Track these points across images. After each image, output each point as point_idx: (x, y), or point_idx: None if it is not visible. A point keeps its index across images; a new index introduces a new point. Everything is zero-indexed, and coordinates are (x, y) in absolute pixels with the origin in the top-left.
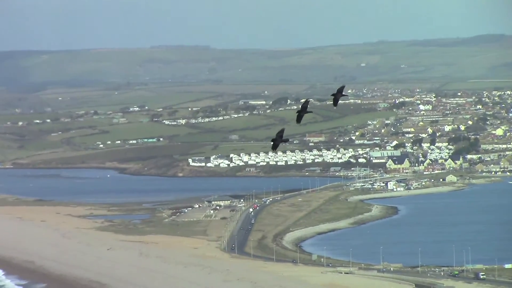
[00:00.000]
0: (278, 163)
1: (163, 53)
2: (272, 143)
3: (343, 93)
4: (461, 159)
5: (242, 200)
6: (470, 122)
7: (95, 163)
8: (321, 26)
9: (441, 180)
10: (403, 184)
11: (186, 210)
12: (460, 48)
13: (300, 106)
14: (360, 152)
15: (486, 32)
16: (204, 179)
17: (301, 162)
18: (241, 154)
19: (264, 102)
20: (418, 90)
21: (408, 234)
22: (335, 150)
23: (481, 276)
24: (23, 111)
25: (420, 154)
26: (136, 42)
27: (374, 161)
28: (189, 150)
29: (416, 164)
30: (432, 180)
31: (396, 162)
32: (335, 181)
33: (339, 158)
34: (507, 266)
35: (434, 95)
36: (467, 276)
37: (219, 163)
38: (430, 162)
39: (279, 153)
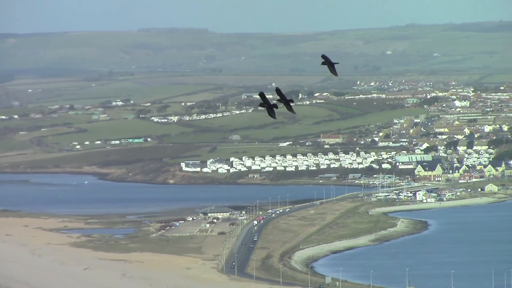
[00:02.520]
0: (287, 169)
1: (153, 37)
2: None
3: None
4: (503, 165)
5: (243, 212)
6: None
7: (71, 167)
8: (340, 6)
9: (479, 190)
10: (434, 195)
11: (177, 224)
12: (504, 33)
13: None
14: (384, 156)
15: None
16: (199, 187)
17: (314, 168)
18: (243, 158)
19: (271, 96)
20: (453, 83)
21: (439, 254)
22: (354, 154)
23: None
24: None
25: (455, 159)
26: (120, 24)
27: (400, 167)
28: (181, 152)
29: (450, 171)
30: (469, 190)
31: (427, 169)
32: (354, 190)
33: (359, 163)
34: None
35: (472, 89)
36: None
37: (217, 168)
38: (467, 168)
39: (288, 156)
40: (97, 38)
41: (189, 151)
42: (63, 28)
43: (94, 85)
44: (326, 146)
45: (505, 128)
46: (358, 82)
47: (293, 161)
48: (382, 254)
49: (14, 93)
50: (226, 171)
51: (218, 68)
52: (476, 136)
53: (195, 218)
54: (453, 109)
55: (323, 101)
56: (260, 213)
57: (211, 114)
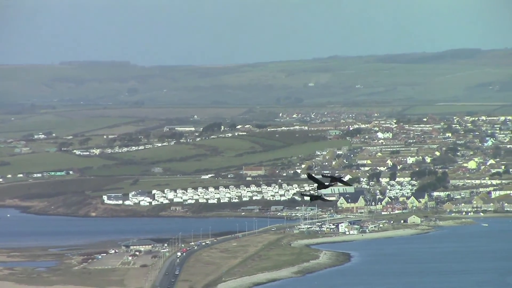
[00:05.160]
0: (209, 201)
1: (75, 70)
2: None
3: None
4: (426, 196)
5: (166, 245)
6: (437, 153)
7: None
8: (262, 39)
9: (402, 221)
10: (357, 227)
11: (99, 256)
12: (427, 65)
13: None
14: (307, 188)
15: (459, 47)
16: (122, 220)
17: (236, 200)
18: (165, 190)
19: (193, 129)
20: (376, 114)
21: (362, 286)
22: (277, 186)
23: None
24: None
25: (378, 191)
26: (42, 57)
27: None
28: (104, 185)
29: (373, 203)
30: (392, 222)
31: (349, 200)
32: (276, 223)
33: (281, 196)
34: None
35: (395, 121)
36: None
37: (139, 201)
38: (389, 200)
39: (211, 189)
40: (18, 71)
41: (111, 184)
42: None
43: (14, 118)
44: (248, 178)
45: (428, 159)
46: (281, 114)
47: (215, 193)
48: (304, 286)
49: None
50: (148, 203)
51: (140, 100)
52: (398, 167)
53: (117, 250)
54: (376, 140)
55: (245, 133)
56: (183, 245)
57: (133, 147)
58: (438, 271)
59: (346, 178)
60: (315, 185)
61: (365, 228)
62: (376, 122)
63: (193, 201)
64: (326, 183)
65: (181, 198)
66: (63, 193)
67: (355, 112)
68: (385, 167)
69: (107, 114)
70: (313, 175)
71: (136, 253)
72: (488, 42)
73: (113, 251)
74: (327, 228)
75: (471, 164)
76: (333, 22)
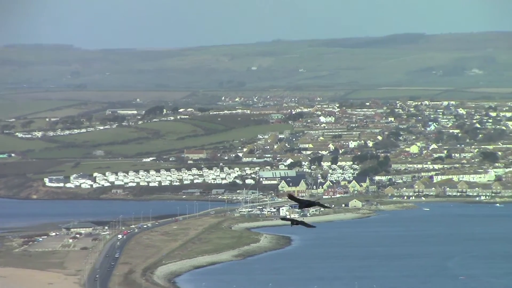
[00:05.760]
0: (150, 184)
1: (18, 53)
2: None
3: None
4: (367, 181)
5: (106, 227)
6: (379, 137)
7: None
8: (206, 22)
9: (343, 205)
10: (297, 210)
11: (40, 239)
12: (370, 49)
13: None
14: (248, 172)
15: (402, 31)
16: (63, 202)
17: (177, 183)
18: (106, 173)
19: (135, 112)
20: (318, 99)
21: (302, 269)
22: (218, 169)
23: None
24: None
25: (319, 175)
26: None
27: (264, 182)
28: (45, 168)
29: (314, 187)
30: (333, 206)
31: (291, 184)
32: (217, 206)
33: (222, 179)
34: None
35: (337, 105)
36: None
37: (81, 184)
38: (331, 184)
39: (152, 172)
40: None
41: (53, 167)
42: None
43: None
44: (190, 162)
45: (370, 144)
46: (223, 98)
47: (157, 176)
48: (245, 270)
49: None
50: (89, 186)
51: (83, 83)
52: (340, 151)
53: (58, 233)
54: (318, 124)
55: (187, 116)
56: (124, 228)
57: (75, 130)
58: (379, 255)
59: (288, 162)
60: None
61: (306, 212)
62: (319, 106)
63: (134, 184)
64: (306, 203)
65: (122, 181)
66: (4, 175)
67: (298, 96)
68: (327, 151)
69: (49, 97)
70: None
71: (76, 235)
72: (432, 27)
73: (53, 234)
74: (268, 211)
75: (413, 149)
76: (277, 6)
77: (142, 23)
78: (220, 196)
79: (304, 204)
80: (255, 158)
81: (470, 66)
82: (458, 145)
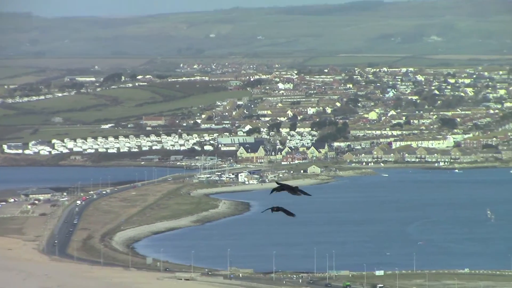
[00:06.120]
0: (109, 151)
1: None
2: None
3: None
4: (326, 147)
5: (65, 194)
6: (338, 104)
7: None
8: None
9: (302, 171)
10: (256, 176)
11: None
12: (329, 17)
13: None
14: (207, 138)
15: None
16: (21, 169)
17: (136, 150)
18: (65, 140)
19: (94, 79)
20: (277, 66)
21: (261, 235)
22: (176, 136)
23: None
24: None
25: (278, 141)
26: None
27: (222, 148)
28: (4, 134)
29: (273, 153)
30: (292, 172)
31: (249, 150)
32: (176, 172)
33: (181, 145)
34: (378, 273)
35: (296, 72)
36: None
37: (39, 150)
38: (289, 150)
39: (110, 138)
40: None
41: (11, 133)
42: None
43: None
44: (148, 128)
45: (328, 110)
46: (181, 65)
47: (115, 143)
48: (203, 235)
49: None
50: (48, 153)
51: (42, 51)
52: (299, 118)
53: (16, 199)
54: (277, 91)
55: (146, 83)
56: (82, 194)
57: (34, 97)
58: (338, 221)
59: (246, 128)
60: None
61: (265, 177)
62: (277, 73)
63: (93, 151)
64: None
65: (81, 148)
66: None
67: (256, 63)
68: (286, 118)
69: (8, 64)
70: (281, 182)
71: (35, 201)
72: None
73: (12, 200)
74: (226, 177)
75: (372, 115)
76: None
77: None
78: (179, 163)
79: (289, 189)
80: (213, 125)
81: (429, 33)
82: (417, 112)
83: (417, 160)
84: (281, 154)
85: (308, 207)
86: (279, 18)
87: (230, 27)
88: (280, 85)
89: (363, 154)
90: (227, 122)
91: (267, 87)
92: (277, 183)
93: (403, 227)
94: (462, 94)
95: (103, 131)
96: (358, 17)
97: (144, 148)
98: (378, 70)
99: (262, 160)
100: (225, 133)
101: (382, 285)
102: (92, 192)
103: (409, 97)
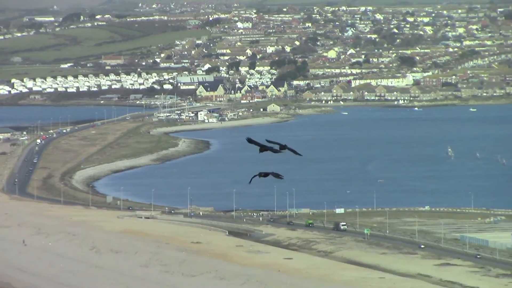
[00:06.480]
0: (69, 90)
1: None
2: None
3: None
4: (285, 85)
5: (25, 133)
6: (297, 43)
7: None
8: None
9: (261, 110)
10: (216, 115)
11: None
12: None
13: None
14: (166, 77)
15: None
16: None
17: (95, 89)
18: (24, 79)
19: (53, 19)
20: (236, 5)
21: (221, 173)
22: (136, 75)
23: (342, 227)
24: None
25: (237, 80)
26: None
27: (182, 87)
28: None
29: (232, 91)
30: (251, 110)
31: (208, 89)
32: (135, 111)
33: (140, 84)
34: (338, 211)
35: (255, 11)
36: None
37: None
38: (249, 89)
39: (70, 78)
40: None
41: None
42: None
43: None
44: (107, 68)
45: (288, 49)
46: (140, 4)
47: (75, 82)
48: (163, 174)
49: None
50: (7, 92)
51: None
52: (258, 57)
53: None
54: (236, 30)
55: (104, 23)
56: (42, 133)
57: None
58: (298, 159)
59: (205, 67)
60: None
61: (224, 116)
62: (236, 12)
63: (52, 90)
64: (270, 146)
65: (40, 87)
66: None
67: (215, 2)
68: (245, 57)
69: None
70: (253, 139)
71: None
72: None
73: None
74: (186, 116)
75: (331, 54)
76: None
77: None
78: (138, 101)
79: (265, 148)
80: (172, 64)
81: None
82: (376, 50)
83: (376, 98)
84: (240, 92)
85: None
86: None
87: None
88: (239, 24)
89: (322, 93)
90: (186, 61)
91: (226, 26)
92: (258, 144)
93: (363, 165)
94: (421, 32)
95: (63, 71)
96: None
97: (103, 87)
98: (337, 9)
99: (222, 99)
100: (184, 72)
101: (345, 223)
102: (52, 131)
103: (368, 36)
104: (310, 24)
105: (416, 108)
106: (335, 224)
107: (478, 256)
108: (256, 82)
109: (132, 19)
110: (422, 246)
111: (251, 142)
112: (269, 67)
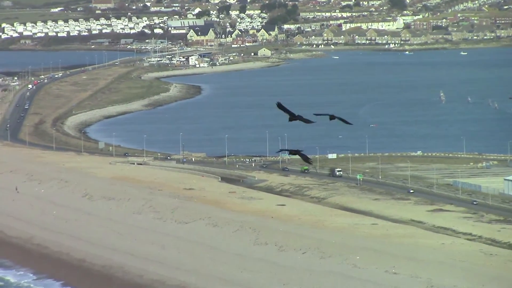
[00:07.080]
0: (59, 35)
1: None
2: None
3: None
4: (276, 29)
5: (16, 78)
6: None
7: None
8: None
9: (252, 54)
10: (207, 59)
11: None
12: None
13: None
14: (156, 21)
15: None
16: None
17: (86, 33)
18: (15, 24)
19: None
20: None
21: (213, 118)
22: (126, 19)
23: (338, 173)
24: None
25: (228, 24)
26: None
27: (172, 31)
28: None
29: (223, 36)
30: (242, 55)
31: (199, 33)
32: (126, 56)
33: (131, 29)
34: (330, 156)
35: None
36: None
37: None
38: (239, 33)
39: (60, 22)
40: None
41: None
42: None
43: None
44: (98, 12)
45: None
46: None
47: (65, 26)
48: (155, 119)
49: None
50: None
51: None
52: (248, 0)
53: None
54: None
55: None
56: (33, 78)
57: None
58: (289, 104)
59: (196, 11)
60: None
61: (215, 61)
62: None
63: (43, 35)
64: (297, 115)
65: (31, 32)
66: None
67: None
68: (235, 0)
69: None
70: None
71: None
72: None
73: None
74: (177, 61)
75: None
76: None
77: None
78: (129, 46)
79: (293, 117)
80: (163, 8)
81: None
82: None
83: (367, 42)
84: (231, 37)
85: (259, 90)
86: None
87: None
88: None
89: (313, 36)
90: (177, 5)
91: None
92: (288, 111)
93: (354, 110)
94: None
95: (53, 15)
96: None
97: (94, 32)
98: None
99: (212, 43)
100: (174, 16)
101: (340, 169)
102: (43, 76)
103: None
104: None
105: (406, 52)
106: (330, 169)
107: (475, 203)
108: (246, 26)
109: None
110: (412, 191)
111: (281, 108)
112: (259, 11)
